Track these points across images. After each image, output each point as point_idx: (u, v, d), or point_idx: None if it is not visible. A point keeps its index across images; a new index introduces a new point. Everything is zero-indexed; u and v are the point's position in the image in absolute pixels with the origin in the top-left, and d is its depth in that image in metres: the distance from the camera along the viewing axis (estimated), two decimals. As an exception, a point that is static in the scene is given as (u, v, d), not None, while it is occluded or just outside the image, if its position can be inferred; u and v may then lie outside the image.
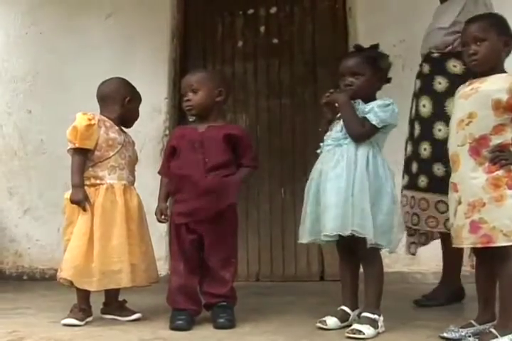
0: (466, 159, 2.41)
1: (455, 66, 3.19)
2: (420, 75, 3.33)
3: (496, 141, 2.36)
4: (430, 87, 3.23)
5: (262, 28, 4.80)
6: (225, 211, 2.78)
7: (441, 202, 3.08)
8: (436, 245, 3.33)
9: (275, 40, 4.77)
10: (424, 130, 3.21)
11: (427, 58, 3.29)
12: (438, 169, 3.15)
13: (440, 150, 3.06)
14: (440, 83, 3.20)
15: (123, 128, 3.05)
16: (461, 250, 3.15)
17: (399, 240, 2.69)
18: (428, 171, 3.17)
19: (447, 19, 3.24)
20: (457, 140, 2.45)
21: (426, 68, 3.28)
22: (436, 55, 3.25)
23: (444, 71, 3.21)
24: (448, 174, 2.99)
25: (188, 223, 2.77)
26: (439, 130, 3.15)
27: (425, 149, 3.20)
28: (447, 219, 3.02)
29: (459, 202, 2.41)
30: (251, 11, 4.84)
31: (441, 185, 3.05)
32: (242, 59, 4.80)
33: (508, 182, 2.32)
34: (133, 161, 3.03)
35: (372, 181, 2.58)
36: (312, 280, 4.42)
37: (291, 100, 4.67)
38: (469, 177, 2.39)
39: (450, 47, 3.21)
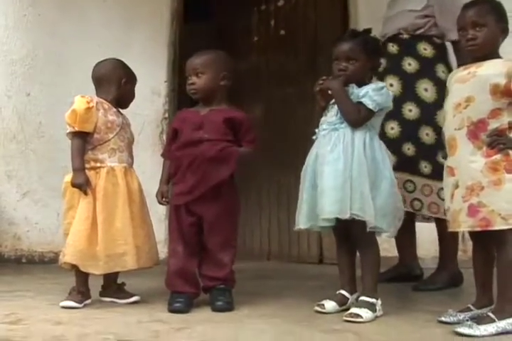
0: (464, 143, 2.42)
1: (425, 49, 3.25)
2: (385, 55, 3.29)
3: (493, 125, 2.38)
4: (399, 67, 3.26)
5: (272, 22, 4.96)
6: (224, 185, 2.77)
7: (409, 182, 3.11)
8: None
9: (282, 32, 4.89)
10: (392, 109, 3.22)
11: (393, 38, 3.31)
12: (408, 149, 3.20)
13: (410, 130, 3.14)
14: (410, 64, 3.24)
15: (120, 109, 3.04)
16: (456, 234, 3.18)
17: (399, 224, 2.69)
18: (397, 151, 3.17)
19: (419, 2, 3.28)
20: (454, 123, 2.46)
21: (394, 48, 3.30)
22: (405, 36, 3.29)
23: (414, 53, 3.25)
24: (417, 154, 3.14)
25: (188, 204, 2.78)
26: (410, 110, 3.19)
27: (392, 128, 3.21)
28: (414, 199, 3.14)
29: (456, 186, 2.42)
30: (263, 7, 5.02)
31: (409, 165, 3.12)
32: (256, 52, 5.01)
33: (506, 167, 2.34)
34: (131, 143, 3.03)
35: (370, 164, 2.59)
36: (313, 262, 4.51)
37: (299, 88, 4.70)
38: (468, 160, 2.40)
39: (421, 30, 3.27)
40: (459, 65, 3.01)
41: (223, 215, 2.79)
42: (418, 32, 3.27)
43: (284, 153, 4.58)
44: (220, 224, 2.78)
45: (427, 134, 3.21)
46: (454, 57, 3.26)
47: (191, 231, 2.80)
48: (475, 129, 2.39)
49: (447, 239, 3.24)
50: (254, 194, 4.80)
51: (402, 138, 3.19)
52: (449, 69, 3.21)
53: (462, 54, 3.08)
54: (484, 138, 2.38)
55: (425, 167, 3.20)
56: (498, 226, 2.31)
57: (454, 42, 3.22)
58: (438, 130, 3.12)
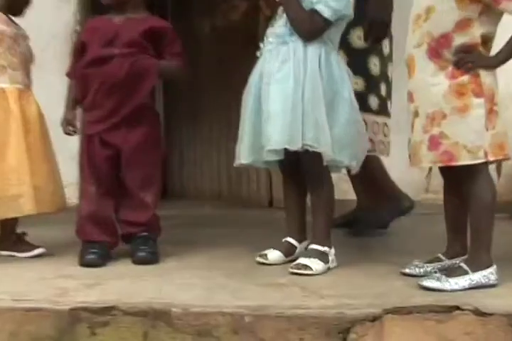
0: (424, 62, 2.24)
1: None
2: None
3: (459, 39, 2.18)
4: None
5: None
6: (144, 110, 2.62)
7: None
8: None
9: None
10: None
11: None
12: None
13: None
14: None
15: (12, 18, 2.77)
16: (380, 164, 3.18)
17: (363, 156, 2.56)
18: None
19: None
20: (413, 40, 2.28)
21: None
22: None
23: None
24: None
25: (102, 133, 2.61)
26: None
27: None
28: None
29: (416, 114, 2.28)
30: None
31: None
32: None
33: (475, 90, 2.17)
34: (28, 60, 2.80)
35: (325, 85, 2.41)
36: (262, 206, 4.44)
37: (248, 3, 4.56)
38: (428, 83, 2.23)
39: None
40: None
41: (144, 146, 2.64)
42: None
43: (236, 78, 4.36)
44: (141, 157, 2.63)
45: None
46: None
47: (106, 167, 2.64)
48: (437, 46, 2.21)
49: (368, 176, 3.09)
50: (204, 128, 4.73)
51: None
52: None
53: None
54: (448, 57, 2.19)
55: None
56: (464, 160, 2.17)
57: None
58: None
